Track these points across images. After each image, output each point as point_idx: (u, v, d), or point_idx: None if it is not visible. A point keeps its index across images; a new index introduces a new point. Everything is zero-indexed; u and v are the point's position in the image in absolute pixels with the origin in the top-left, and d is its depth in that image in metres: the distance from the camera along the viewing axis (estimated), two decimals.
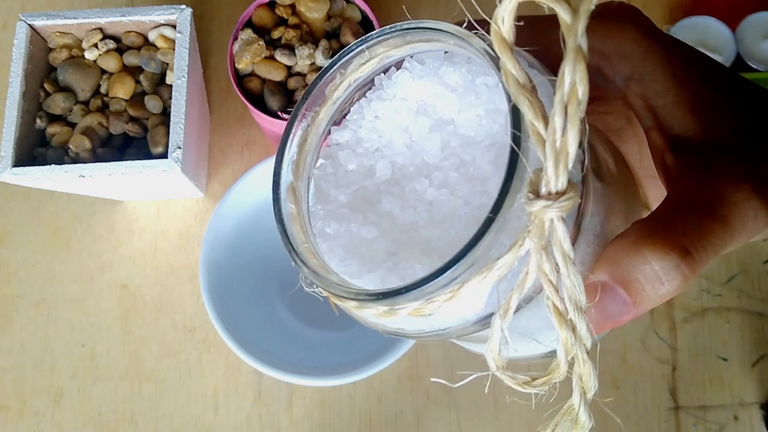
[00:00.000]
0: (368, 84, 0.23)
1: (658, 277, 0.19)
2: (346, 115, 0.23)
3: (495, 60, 0.18)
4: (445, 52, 0.23)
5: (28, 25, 0.49)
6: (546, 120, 0.16)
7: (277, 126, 0.47)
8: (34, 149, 0.48)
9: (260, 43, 0.46)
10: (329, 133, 0.23)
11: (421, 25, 0.20)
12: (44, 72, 0.50)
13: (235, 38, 0.48)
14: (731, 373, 0.52)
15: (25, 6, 0.64)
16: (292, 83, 0.47)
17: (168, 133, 0.47)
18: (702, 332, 0.52)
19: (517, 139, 0.17)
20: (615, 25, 0.22)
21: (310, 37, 0.48)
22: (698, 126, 0.21)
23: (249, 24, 0.49)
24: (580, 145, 0.16)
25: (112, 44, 0.50)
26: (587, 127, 0.18)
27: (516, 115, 0.17)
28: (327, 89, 0.22)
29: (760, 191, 0.20)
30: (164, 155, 0.47)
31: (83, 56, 0.50)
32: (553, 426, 0.20)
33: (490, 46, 0.18)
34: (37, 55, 0.49)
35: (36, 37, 0.50)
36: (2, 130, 0.47)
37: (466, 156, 0.21)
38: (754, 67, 0.54)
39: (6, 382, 0.55)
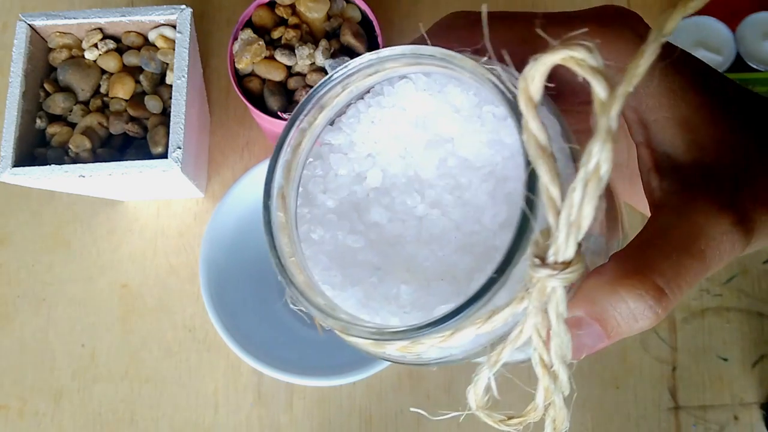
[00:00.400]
0: (369, 89, 0.23)
1: (633, 315, 0.20)
2: (341, 114, 0.23)
3: (513, 108, 0.18)
4: None
5: (28, 25, 0.49)
6: (560, 185, 0.16)
7: (277, 126, 0.47)
8: (34, 149, 0.49)
9: (260, 43, 0.46)
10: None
11: (438, 53, 0.20)
12: (44, 72, 0.50)
13: (235, 38, 0.48)
14: (731, 373, 0.52)
15: (25, 6, 0.64)
16: (292, 83, 0.47)
17: (168, 133, 0.47)
18: (702, 332, 0.52)
19: (530, 202, 0.17)
20: (613, 33, 0.22)
21: (310, 37, 0.48)
22: (688, 145, 0.21)
23: (249, 24, 0.49)
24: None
25: (112, 44, 0.50)
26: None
27: (532, 177, 0.17)
28: (327, 97, 0.22)
29: (739, 220, 0.20)
30: (164, 155, 0.47)
31: (83, 56, 0.50)
32: None
33: (508, 89, 0.18)
34: (37, 55, 0.49)
35: (36, 37, 0.50)
36: (2, 130, 0.47)
37: (462, 179, 0.21)
38: (754, 67, 0.54)
39: (6, 382, 0.55)
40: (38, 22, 0.49)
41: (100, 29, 0.50)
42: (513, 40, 0.21)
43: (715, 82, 0.22)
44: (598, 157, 0.15)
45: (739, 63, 0.55)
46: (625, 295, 0.19)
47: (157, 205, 0.58)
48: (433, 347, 0.19)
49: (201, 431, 0.53)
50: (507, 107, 0.18)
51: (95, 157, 0.48)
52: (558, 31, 0.19)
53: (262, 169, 0.49)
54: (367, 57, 0.20)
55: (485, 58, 0.19)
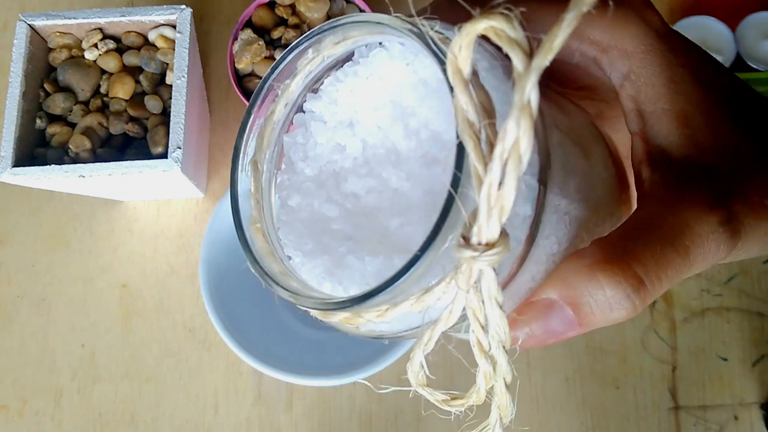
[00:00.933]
0: (347, 59, 0.22)
1: (609, 304, 0.19)
2: (322, 83, 0.23)
3: (442, 63, 0.17)
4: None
5: (28, 25, 0.49)
6: (484, 161, 0.16)
7: None
8: (34, 149, 0.49)
9: (260, 43, 0.46)
10: (299, 107, 0.23)
11: (370, 18, 0.19)
12: (44, 72, 0.50)
13: (235, 38, 0.48)
14: (731, 372, 0.52)
15: (25, 6, 0.64)
16: None
17: (168, 133, 0.47)
18: (702, 332, 0.52)
19: (456, 180, 0.16)
20: (619, 18, 0.21)
21: None
22: (683, 140, 0.20)
23: (249, 24, 0.49)
24: (541, 181, 0.16)
25: (112, 44, 0.50)
26: (551, 161, 0.17)
27: (460, 154, 0.16)
28: (299, 63, 0.21)
29: (727, 220, 0.19)
30: (164, 155, 0.47)
31: (83, 56, 0.50)
32: None
33: (442, 52, 0.17)
34: (37, 55, 0.49)
35: (36, 37, 0.50)
36: (2, 130, 0.47)
37: (436, 153, 0.20)
38: (754, 66, 0.54)
39: (6, 382, 0.55)
40: (38, 22, 0.49)
41: (100, 29, 0.50)
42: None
43: (719, 77, 0.21)
44: (516, 133, 0.14)
45: (739, 63, 0.55)
46: (603, 281, 0.19)
47: (157, 205, 0.58)
48: (371, 321, 0.19)
49: (201, 431, 0.53)
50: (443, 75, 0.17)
51: (95, 157, 0.48)
52: (554, 9, 0.18)
53: None
54: (330, 23, 0.20)
55: (421, 21, 0.18)
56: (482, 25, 0.15)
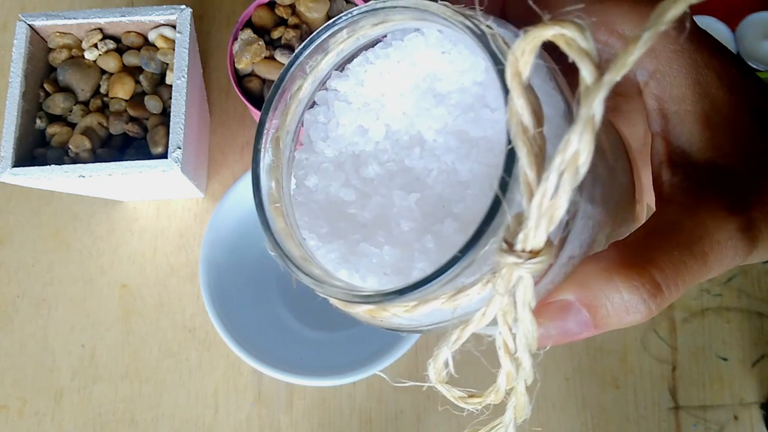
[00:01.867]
0: (381, 39, 0.22)
1: (625, 308, 0.19)
2: (350, 61, 0.22)
3: (500, 75, 0.16)
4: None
5: (28, 25, 0.49)
6: (540, 171, 0.15)
7: None
8: (34, 149, 0.49)
9: (260, 43, 0.46)
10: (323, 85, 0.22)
11: (416, 5, 0.19)
12: (44, 72, 0.50)
13: (235, 38, 0.48)
14: (731, 372, 0.52)
15: (24, 6, 0.64)
16: None
17: (168, 133, 0.47)
18: (702, 332, 0.52)
19: (504, 184, 0.16)
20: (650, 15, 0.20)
21: None
22: (705, 143, 0.20)
23: (249, 24, 0.49)
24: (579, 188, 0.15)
25: (111, 44, 0.50)
26: (584, 178, 0.16)
27: (511, 158, 0.16)
28: (331, 41, 0.21)
29: (745, 228, 0.19)
30: (164, 155, 0.47)
31: (83, 56, 0.50)
32: None
33: (501, 51, 0.17)
34: (37, 55, 0.49)
35: (36, 37, 0.50)
36: (2, 131, 0.47)
37: (463, 146, 0.20)
38: (754, 66, 0.54)
39: (6, 382, 0.55)
40: (38, 23, 0.49)
41: (100, 29, 0.50)
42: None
43: (745, 81, 0.21)
44: (577, 146, 0.14)
45: None
46: (620, 284, 0.19)
47: (157, 205, 0.58)
48: (397, 315, 0.19)
49: (201, 431, 0.53)
50: (494, 71, 0.17)
51: (95, 158, 0.48)
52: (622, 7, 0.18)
53: None
54: (372, 5, 0.20)
55: (474, 12, 0.17)
56: (551, 31, 0.15)
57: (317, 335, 0.53)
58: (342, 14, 0.20)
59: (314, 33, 0.21)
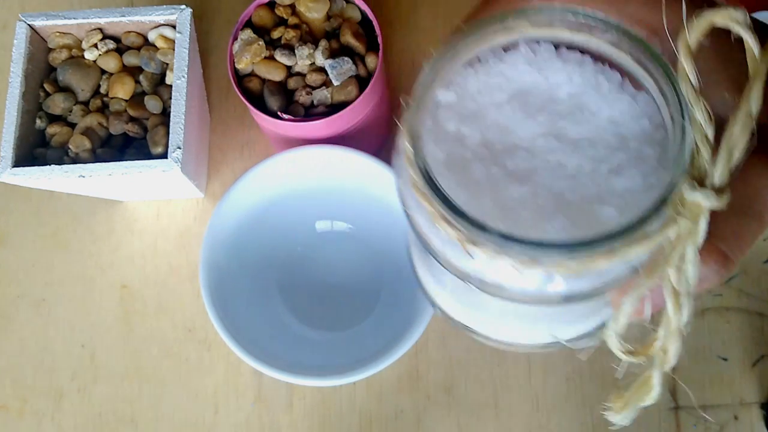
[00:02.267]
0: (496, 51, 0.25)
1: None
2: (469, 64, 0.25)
3: (659, 66, 0.21)
4: (556, 47, 0.24)
5: (28, 25, 0.49)
6: (709, 121, 0.19)
7: (277, 126, 0.47)
8: (33, 149, 0.49)
9: (260, 43, 0.46)
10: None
11: (609, 20, 0.22)
12: (44, 72, 0.50)
13: (235, 38, 0.48)
14: (731, 372, 0.52)
15: (24, 6, 0.64)
16: (292, 83, 0.47)
17: (168, 133, 0.47)
18: (702, 332, 0.52)
19: (683, 135, 0.20)
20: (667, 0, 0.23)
21: (310, 37, 0.48)
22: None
23: (249, 24, 0.49)
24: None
25: (111, 44, 0.50)
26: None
27: (686, 113, 0.20)
28: (491, 30, 0.23)
29: None
30: (164, 155, 0.47)
31: (83, 56, 0.50)
32: (630, 396, 0.25)
33: (656, 55, 0.21)
34: (36, 55, 0.49)
35: (36, 37, 0.50)
36: (2, 131, 0.47)
37: (569, 158, 0.23)
38: None
39: (6, 382, 0.55)
40: (38, 23, 0.49)
41: (100, 29, 0.50)
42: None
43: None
44: (756, 99, 0.19)
45: None
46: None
47: (157, 205, 0.58)
48: (572, 273, 0.21)
49: (201, 431, 0.53)
50: (653, 75, 0.21)
51: (95, 158, 0.48)
52: None
53: (263, 168, 0.49)
54: (560, 6, 0.22)
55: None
56: (723, 14, 0.19)
57: (317, 335, 0.53)
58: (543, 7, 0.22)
59: (481, 23, 0.23)
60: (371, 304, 0.53)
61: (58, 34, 0.50)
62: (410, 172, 0.22)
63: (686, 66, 0.20)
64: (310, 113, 0.47)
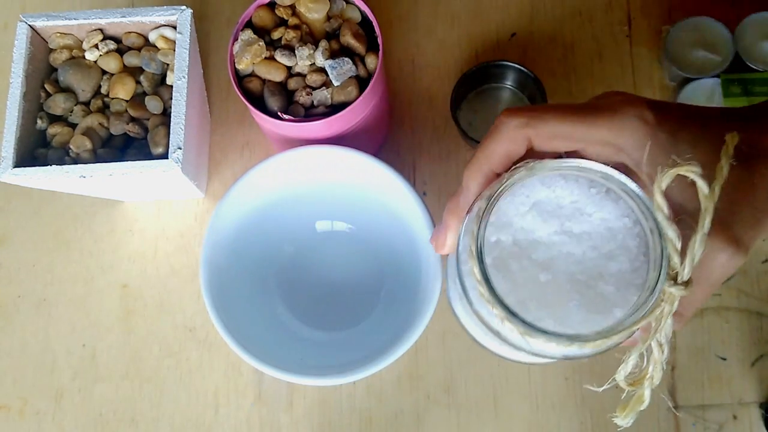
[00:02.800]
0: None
1: (722, 266, 0.30)
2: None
3: (638, 198, 0.30)
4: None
5: (29, 25, 0.49)
6: (678, 239, 0.28)
7: (278, 126, 0.47)
8: (35, 150, 0.49)
9: (260, 43, 0.47)
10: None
11: (595, 168, 0.31)
12: (45, 73, 0.51)
13: (236, 39, 0.48)
14: (730, 372, 0.52)
15: (25, 7, 0.64)
16: (292, 84, 0.48)
17: (168, 133, 0.47)
18: (701, 332, 0.53)
19: (662, 250, 0.29)
20: (624, 124, 0.31)
21: (310, 37, 0.48)
22: (690, 195, 0.29)
23: (249, 25, 0.49)
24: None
25: (112, 45, 0.51)
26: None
27: (662, 234, 0.29)
28: (510, 171, 0.32)
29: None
30: (165, 156, 0.47)
31: (84, 57, 0.51)
32: (630, 407, 0.34)
33: (633, 190, 0.30)
34: (37, 55, 0.50)
35: (36, 37, 0.50)
36: (3, 131, 0.47)
37: (575, 249, 0.32)
38: (753, 67, 0.55)
39: (7, 382, 0.55)
40: (39, 23, 0.49)
41: (101, 30, 0.51)
42: (554, 134, 0.32)
43: (697, 131, 0.31)
44: (708, 221, 0.27)
45: (737, 63, 0.55)
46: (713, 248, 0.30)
47: (157, 205, 0.58)
48: (597, 345, 0.30)
49: (201, 431, 0.53)
50: (633, 198, 0.30)
51: (96, 158, 0.48)
52: (586, 124, 0.31)
53: (263, 168, 0.49)
54: (563, 160, 0.32)
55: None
56: (685, 169, 0.27)
57: (317, 335, 0.53)
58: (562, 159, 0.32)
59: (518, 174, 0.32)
60: (371, 304, 0.53)
61: (58, 34, 0.50)
62: (474, 269, 0.31)
63: (661, 203, 0.28)
64: (310, 113, 0.47)
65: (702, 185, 0.27)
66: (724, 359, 0.52)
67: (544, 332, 0.30)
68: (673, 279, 0.29)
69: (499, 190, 0.32)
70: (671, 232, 0.29)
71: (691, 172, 0.27)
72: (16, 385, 0.55)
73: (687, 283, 0.29)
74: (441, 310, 0.54)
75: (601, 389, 0.37)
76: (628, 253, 0.32)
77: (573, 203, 0.33)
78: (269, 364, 0.45)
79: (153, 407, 0.54)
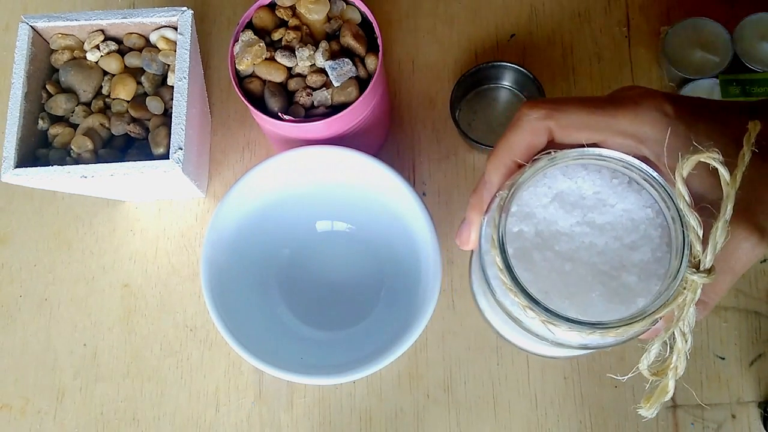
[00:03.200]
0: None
1: (747, 253, 0.30)
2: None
3: (660, 186, 0.31)
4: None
5: (30, 26, 0.49)
6: (700, 227, 0.29)
7: (278, 127, 0.48)
8: (36, 150, 0.49)
9: (261, 44, 0.47)
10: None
11: (616, 156, 0.31)
12: (46, 73, 0.51)
13: (236, 40, 0.48)
14: (729, 371, 0.52)
15: (27, 7, 0.64)
16: (293, 84, 0.48)
17: (169, 134, 0.47)
18: (700, 331, 0.53)
19: (684, 237, 0.29)
20: (645, 115, 0.31)
21: (311, 38, 0.48)
22: (712, 188, 0.30)
23: (250, 26, 0.49)
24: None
25: (113, 46, 0.51)
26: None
27: (684, 221, 0.29)
28: (532, 161, 0.32)
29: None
30: (165, 156, 0.47)
31: (85, 58, 0.51)
32: (654, 397, 0.33)
33: (656, 177, 0.31)
34: (39, 56, 0.50)
35: (38, 38, 0.50)
36: (5, 132, 0.47)
37: (598, 239, 0.32)
38: (752, 67, 0.55)
39: (8, 381, 0.55)
40: (40, 24, 0.49)
41: (102, 31, 0.51)
42: (575, 125, 0.32)
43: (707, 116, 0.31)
44: (729, 207, 0.27)
45: (736, 63, 0.55)
46: (737, 237, 0.30)
47: (158, 205, 0.59)
48: (619, 334, 0.30)
49: (202, 430, 0.53)
50: (655, 187, 0.31)
51: (97, 158, 0.48)
52: (607, 115, 0.31)
53: (264, 169, 0.49)
54: (580, 149, 0.32)
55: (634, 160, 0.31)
56: (704, 155, 0.27)
57: (318, 334, 0.53)
58: (573, 152, 0.32)
59: (542, 161, 0.32)
60: (371, 304, 0.54)
61: (60, 35, 0.51)
62: (496, 259, 0.31)
63: (682, 191, 0.28)
64: (310, 114, 0.48)
65: (723, 172, 0.27)
66: (723, 359, 0.52)
67: (566, 319, 0.30)
68: (696, 267, 0.29)
69: (520, 180, 0.32)
70: (693, 219, 0.28)
71: (712, 159, 0.27)
72: (17, 384, 0.55)
73: (710, 271, 0.28)
74: (441, 310, 0.54)
75: (625, 378, 0.39)
76: (650, 243, 0.32)
77: (595, 194, 0.33)
78: (269, 363, 0.45)
79: (154, 406, 0.54)
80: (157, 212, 0.58)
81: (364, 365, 0.44)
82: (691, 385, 0.52)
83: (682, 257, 0.29)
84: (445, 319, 0.54)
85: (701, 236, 0.29)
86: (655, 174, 0.31)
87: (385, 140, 0.59)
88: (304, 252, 0.55)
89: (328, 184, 0.52)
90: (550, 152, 0.32)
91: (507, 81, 0.58)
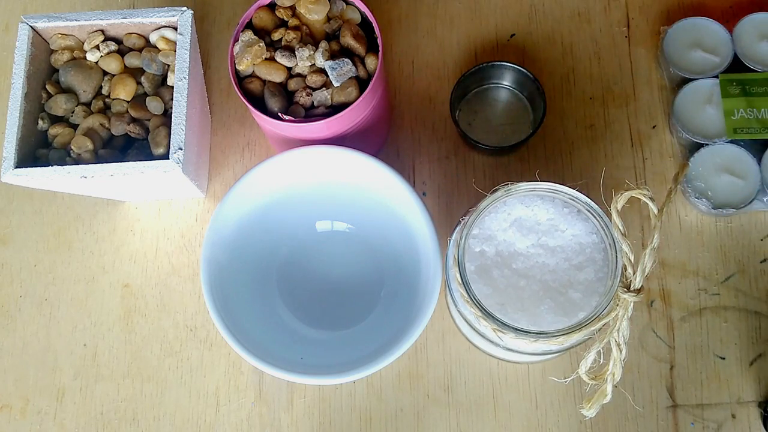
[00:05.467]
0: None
1: None
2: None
3: (599, 216, 0.37)
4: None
5: (30, 27, 0.49)
6: (631, 251, 0.35)
7: (278, 127, 0.48)
8: (36, 150, 0.49)
9: (261, 44, 0.47)
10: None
11: (564, 190, 0.38)
12: (46, 73, 0.51)
13: (236, 40, 0.48)
14: (729, 371, 0.52)
15: (26, 8, 0.64)
16: (293, 84, 0.48)
17: (169, 134, 0.47)
18: (700, 331, 0.53)
19: (617, 261, 0.36)
20: None
21: (310, 38, 0.48)
22: None
23: (249, 26, 0.49)
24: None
25: (113, 46, 0.51)
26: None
27: (618, 248, 0.36)
28: (491, 192, 0.39)
29: None
30: (165, 156, 0.47)
31: (85, 58, 0.51)
32: (594, 399, 0.37)
33: (595, 209, 0.38)
34: (39, 56, 0.50)
35: (38, 38, 0.50)
36: (5, 132, 0.47)
37: (549, 260, 0.39)
38: (752, 67, 0.55)
39: (8, 381, 0.55)
40: (40, 24, 0.49)
41: (102, 31, 0.51)
42: None
43: None
44: (656, 236, 0.34)
45: (736, 64, 0.55)
46: None
47: (158, 205, 0.59)
48: (560, 342, 0.36)
49: (202, 430, 0.53)
50: (595, 217, 0.38)
51: (97, 158, 0.48)
52: None
53: (264, 169, 0.49)
54: (519, 184, 0.39)
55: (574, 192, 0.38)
56: (637, 192, 0.34)
57: (318, 334, 0.53)
58: (520, 185, 0.39)
59: (492, 196, 0.39)
60: (371, 304, 0.54)
61: (60, 35, 0.51)
62: (455, 274, 0.37)
63: (617, 221, 0.35)
64: (310, 114, 0.48)
65: (652, 206, 0.33)
66: (723, 358, 0.52)
67: (513, 329, 0.35)
68: (627, 287, 0.34)
69: (481, 207, 0.38)
70: (625, 246, 0.34)
71: (642, 195, 0.33)
72: (17, 384, 0.55)
73: (639, 291, 0.34)
74: (441, 310, 0.54)
75: (567, 380, 0.47)
76: (594, 264, 0.38)
77: (549, 220, 0.39)
78: (270, 363, 0.45)
79: (154, 406, 0.54)
80: (157, 212, 0.58)
81: (364, 365, 0.44)
82: (691, 385, 0.52)
83: (614, 278, 0.35)
84: (445, 319, 0.54)
85: (633, 260, 0.34)
86: (595, 206, 0.37)
87: (385, 140, 0.59)
88: (304, 252, 0.55)
89: (328, 184, 0.52)
90: (507, 184, 0.37)
91: (507, 81, 0.58)
